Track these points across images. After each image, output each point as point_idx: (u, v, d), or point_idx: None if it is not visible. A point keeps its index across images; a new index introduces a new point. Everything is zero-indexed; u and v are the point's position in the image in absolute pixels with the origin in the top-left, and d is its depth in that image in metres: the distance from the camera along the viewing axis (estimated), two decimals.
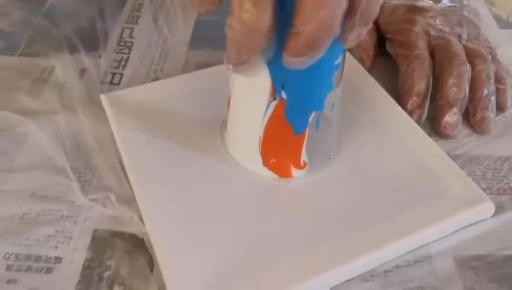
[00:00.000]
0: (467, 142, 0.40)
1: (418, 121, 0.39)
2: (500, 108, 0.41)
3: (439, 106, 0.39)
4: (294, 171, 0.35)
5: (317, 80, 0.31)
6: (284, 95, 0.31)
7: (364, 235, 0.32)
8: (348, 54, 0.39)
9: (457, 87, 0.39)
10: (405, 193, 0.34)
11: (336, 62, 0.31)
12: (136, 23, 0.49)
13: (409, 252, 0.32)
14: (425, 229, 0.33)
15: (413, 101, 0.39)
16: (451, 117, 0.38)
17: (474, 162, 0.38)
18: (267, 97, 0.32)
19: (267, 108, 0.32)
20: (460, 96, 0.39)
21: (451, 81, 0.39)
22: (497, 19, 0.50)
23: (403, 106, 0.39)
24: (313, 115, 0.33)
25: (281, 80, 0.31)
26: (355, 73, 0.42)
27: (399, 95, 0.41)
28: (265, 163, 0.35)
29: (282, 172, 0.35)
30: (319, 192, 0.35)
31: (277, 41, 0.28)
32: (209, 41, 0.47)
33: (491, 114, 0.39)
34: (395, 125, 0.39)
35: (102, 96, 0.40)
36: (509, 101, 0.41)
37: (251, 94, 0.33)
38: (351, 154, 0.37)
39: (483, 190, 0.35)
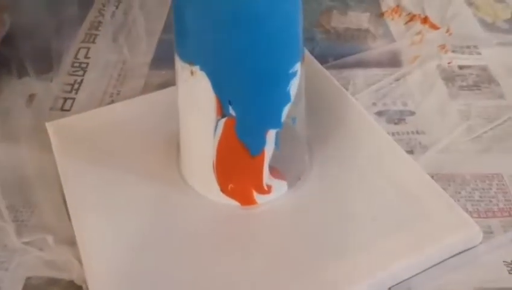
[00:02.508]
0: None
1: None
2: None
3: None
4: (258, 197, 0.31)
5: (270, 92, 0.27)
6: (232, 111, 0.27)
7: (336, 272, 0.28)
8: (315, 63, 0.35)
9: None
10: (382, 221, 0.30)
11: (292, 70, 0.27)
12: (94, 42, 0.46)
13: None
14: (403, 261, 0.28)
15: None
16: None
17: (458, 181, 0.34)
18: (214, 115, 0.27)
19: (216, 127, 0.28)
20: None
21: None
22: (482, 22, 0.47)
23: None
24: (270, 132, 0.28)
25: (226, 95, 0.27)
26: (323, 83, 0.38)
27: None
28: (223, 189, 0.31)
29: (244, 199, 0.31)
30: (285, 221, 0.31)
31: (216, 51, 0.24)
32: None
33: None
34: (371, 142, 0.34)
35: (48, 125, 0.36)
36: None
37: (197, 112, 0.28)
38: (323, 175, 0.33)
39: (470, 213, 0.31)
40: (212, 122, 0.28)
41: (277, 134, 0.29)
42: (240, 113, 0.27)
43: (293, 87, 0.28)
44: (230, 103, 0.27)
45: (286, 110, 0.28)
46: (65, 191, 0.33)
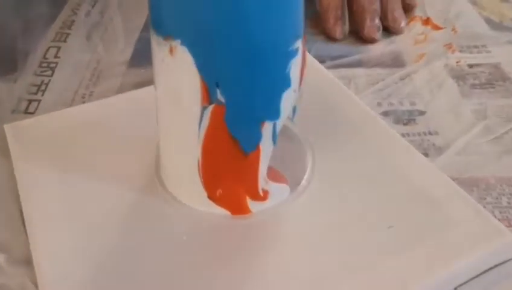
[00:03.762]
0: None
1: (342, 33, 0.42)
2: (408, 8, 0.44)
3: (358, 14, 0.42)
4: (252, 205, 0.26)
5: (265, 73, 0.22)
6: (220, 97, 0.22)
7: None
8: (313, 61, 0.31)
9: None
10: (400, 230, 0.25)
11: (292, 48, 0.23)
12: (65, 41, 0.41)
13: None
14: (428, 278, 0.23)
15: (333, 14, 0.42)
16: (372, 21, 0.42)
17: (482, 185, 0.30)
18: (198, 102, 0.23)
19: (202, 118, 0.23)
20: (373, 2, 0.42)
21: None
22: (489, 22, 0.45)
23: (325, 22, 0.42)
24: (266, 124, 0.24)
25: (213, 75, 0.22)
26: (322, 80, 0.34)
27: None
28: (211, 196, 0.26)
29: (235, 207, 0.26)
30: (284, 233, 0.26)
31: (200, 20, 0.19)
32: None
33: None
34: (380, 143, 0.30)
35: (6, 127, 0.31)
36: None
37: (178, 100, 0.24)
38: (328, 179, 0.28)
39: (499, 221, 0.26)
40: (197, 112, 0.23)
41: (274, 127, 0.24)
42: (230, 99, 0.22)
43: (293, 69, 0.23)
44: (217, 86, 0.22)
45: (285, 97, 0.23)
46: (22, 202, 0.27)
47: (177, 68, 0.22)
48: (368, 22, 0.42)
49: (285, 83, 0.23)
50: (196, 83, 0.22)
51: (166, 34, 0.22)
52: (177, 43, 0.21)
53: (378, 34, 0.42)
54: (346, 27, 0.43)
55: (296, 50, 0.23)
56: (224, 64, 0.21)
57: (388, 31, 0.43)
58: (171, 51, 0.22)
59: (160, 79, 0.24)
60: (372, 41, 0.42)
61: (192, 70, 0.22)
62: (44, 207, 0.27)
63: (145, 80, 0.36)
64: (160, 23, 0.22)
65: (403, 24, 0.43)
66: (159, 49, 0.22)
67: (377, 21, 0.42)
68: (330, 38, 0.42)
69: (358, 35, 0.42)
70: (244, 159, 0.24)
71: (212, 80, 0.22)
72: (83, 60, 0.39)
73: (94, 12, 0.45)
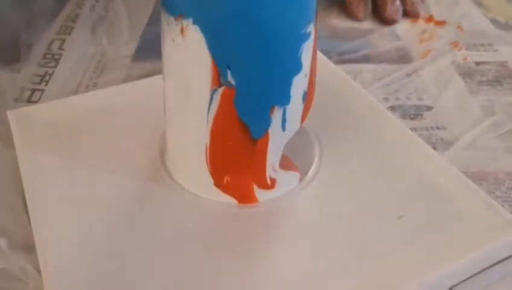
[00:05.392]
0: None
1: (364, 13, 0.44)
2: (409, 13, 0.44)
3: None
4: (259, 193, 0.25)
5: (277, 56, 0.22)
6: (231, 79, 0.22)
7: (358, 283, 0.22)
8: (319, 54, 0.30)
9: None
10: (409, 221, 0.25)
11: (304, 31, 0.22)
12: (69, 34, 0.41)
13: None
14: (438, 269, 0.23)
15: None
16: (393, 3, 0.44)
17: (491, 180, 0.29)
18: (208, 84, 0.22)
19: (211, 101, 0.23)
20: None
21: None
22: (495, 22, 0.44)
23: (349, 2, 0.44)
24: (276, 109, 0.23)
25: (224, 57, 0.22)
26: (329, 74, 0.34)
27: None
28: (218, 183, 0.25)
29: (242, 195, 0.25)
30: (292, 223, 0.25)
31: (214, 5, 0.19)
32: (157, 52, 0.38)
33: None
34: (388, 135, 0.30)
35: (10, 114, 0.31)
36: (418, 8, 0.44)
37: (187, 82, 0.23)
38: (336, 169, 0.28)
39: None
40: (206, 95, 0.23)
41: (284, 113, 0.24)
42: (240, 82, 0.22)
43: (305, 53, 0.23)
44: (228, 68, 0.22)
45: (295, 82, 0.23)
46: (25, 189, 0.27)
47: (187, 49, 0.22)
48: (389, 4, 0.43)
49: (297, 67, 0.23)
50: (207, 65, 0.22)
51: (178, 13, 0.21)
52: (188, 22, 0.21)
53: (399, 16, 0.44)
54: (369, 8, 0.44)
55: (309, 34, 0.23)
56: (237, 46, 0.21)
57: (406, 15, 0.44)
58: (182, 31, 0.22)
59: (170, 60, 0.23)
60: (392, 22, 0.43)
61: (203, 51, 0.21)
62: (47, 194, 0.26)
63: (150, 73, 0.36)
64: (171, 1, 0.22)
65: (419, 8, 0.45)
66: (170, 28, 0.22)
67: (398, 3, 0.44)
68: (353, 18, 0.44)
69: (379, 17, 0.44)
70: (253, 145, 0.24)
71: (223, 61, 0.22)
72: (87, 53, 0.39)
73: (99, 7, 0.44)
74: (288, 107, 0.24)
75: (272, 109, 0.23)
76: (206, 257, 0.24)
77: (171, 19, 0.22)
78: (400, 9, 0.44)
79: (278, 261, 0.24)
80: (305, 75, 0.23)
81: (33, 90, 0.35)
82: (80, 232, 0.25)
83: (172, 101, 0.25)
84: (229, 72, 0.22)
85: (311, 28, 0.23)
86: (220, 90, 0.22)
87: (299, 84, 0.23)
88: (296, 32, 0.22)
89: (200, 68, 0.22)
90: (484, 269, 0.24)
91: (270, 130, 0.24)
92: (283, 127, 0.24)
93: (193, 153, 0.25)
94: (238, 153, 0.24)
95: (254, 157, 0.24)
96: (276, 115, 0.23)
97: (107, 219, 0.25)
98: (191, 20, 0.21)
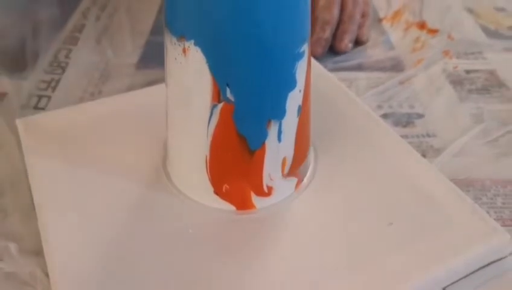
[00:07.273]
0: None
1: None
2: (359, 40, 0.43)
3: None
4: (257, 200, 0.27)
5: (273, 74, 0.24)
6: (230, 95, 0.24)
7: (351, 287, 0.24)
8: (314, 62, 0.32)
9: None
10: (399, 227, 0.26)
11: (298, 50, 0.24)
12: (75, 44, 0.42)
13: None
14: (426, 274, 0.24)
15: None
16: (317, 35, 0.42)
17: (478, 186, 0.31)
18: (209, 100, 0.24)
19: (211, 115, 0.24)
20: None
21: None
22: (485, 30, 0.46)
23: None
24: (272, 123, 0.25)
25: (225, 77, 0.23)
26: (324, 82, 0.36)
27: None
28: (217, 191, 0.27)
29: (240, 202, 0.27)
30: (288, 229, 0.27)
31: (214, 21, 0.20)
32: (160, 61, 0.40)
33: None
34: (380, 143, 0.31)
35: (18, 122, 0.32)
36: (367, 35, 0.44)
37: (189, 98, 0.25)
38: (329, 177, 0.29)
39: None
40: (207, 110, 0.24)
41: (280, 126, 0.25)
42: (239, 98, 0.24)
43: (299, 71, 0.24)
44: (228, 86, 0.23)
45: (291, 97, 0.25)
46: (33, 194, 0.28)
47: (189, 67, 0.23)
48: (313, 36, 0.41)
49: (292, 84, 0.24)
50: (207, 82, 0.23)
51: (180, 34, 0.23)
52: (190, 44, 0.23)
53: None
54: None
55: (303, 52, 0.24)
56: (236, 65, 0.22)
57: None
58: (184, 51, 0.23)
59: (172, 77, 0.25)
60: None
61: (204, 70, 0.23)
62: (54, 199, 0.28)
63: (153, 81, 0.38)
64: (174, 23, 0.23)
65: (368, 35, 0.44)
66: (173, 48, 0.24)
67: (324, 35, 0.42)
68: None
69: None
70: (251, 156, 0.25)
71: (223, 79, 0.23)
72: (93, 61, 0.41)
73: (103, 16, 0.46)
74: (284, 121, 0.25)
75: (268, 122, 0.25)
76: (205, 260, 0.25)
77: (174, 39, 0.23)
78: (323, 42, 0.42)
79: (273, 264, 0.25)
80: (300, 91, 0.25)
81: (40, 97, 0.37)
82: (85, 236, 0.26)
83: (175, 115, 0.26)
84: (228, 89, 0.23)
85: (305, 48, 0.24)
86: (220, 105, 0.24)
87: (294, 99, 0.25)
88: (292, 52, 0.24)
89: (201, 85, 0.24)
90: (469, 274, 0.26)
91: (267, 142, 0.25)
92: (279, 139, 0.26)
93: (194, 163, 0.26)
94: (236, 164, 0.26)
95: (252, 167, 0.26)
96: (273, 128, 0.25)
97: (112, 224, 0.27)
98: (192, 41, 0.23)
